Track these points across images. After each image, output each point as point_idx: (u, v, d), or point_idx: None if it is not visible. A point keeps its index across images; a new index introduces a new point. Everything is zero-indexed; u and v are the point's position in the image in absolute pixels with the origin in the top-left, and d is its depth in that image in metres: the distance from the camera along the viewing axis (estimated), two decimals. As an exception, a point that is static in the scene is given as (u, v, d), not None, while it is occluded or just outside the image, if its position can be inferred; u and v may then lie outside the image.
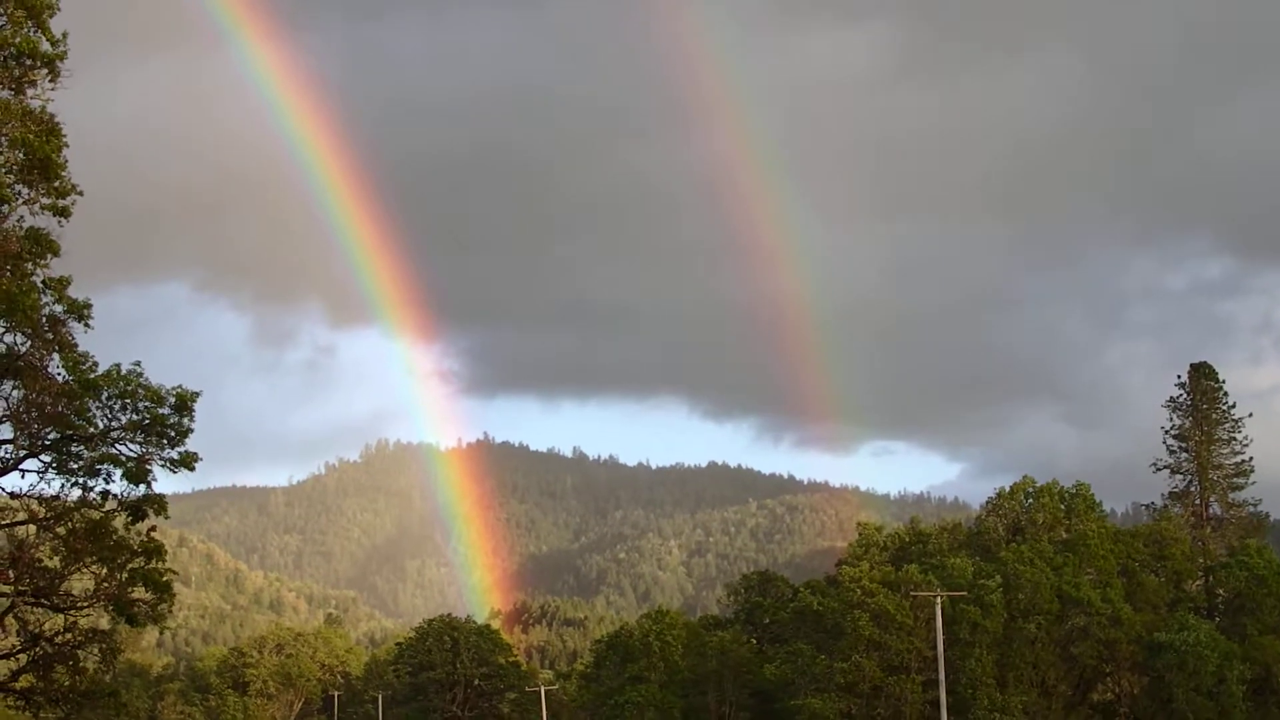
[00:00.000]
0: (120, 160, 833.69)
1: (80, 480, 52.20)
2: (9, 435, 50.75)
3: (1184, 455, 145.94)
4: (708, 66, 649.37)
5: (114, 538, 53.14)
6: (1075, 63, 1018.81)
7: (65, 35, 47.86)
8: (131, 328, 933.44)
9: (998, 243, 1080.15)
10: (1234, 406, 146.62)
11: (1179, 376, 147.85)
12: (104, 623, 63.43)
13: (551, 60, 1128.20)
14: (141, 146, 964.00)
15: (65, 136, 48.26)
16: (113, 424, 52.13)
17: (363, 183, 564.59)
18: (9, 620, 52.86)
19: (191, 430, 53.34)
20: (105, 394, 51.63)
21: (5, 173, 47.03)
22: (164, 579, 54.43)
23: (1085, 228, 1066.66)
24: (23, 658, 54.55)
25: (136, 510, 53.10)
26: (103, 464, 52.16)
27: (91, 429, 51.77)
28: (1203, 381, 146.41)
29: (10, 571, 50.70)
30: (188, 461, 53.26)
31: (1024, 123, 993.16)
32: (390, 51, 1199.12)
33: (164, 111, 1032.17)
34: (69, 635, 54.08)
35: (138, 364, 52.35)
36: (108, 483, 52.58)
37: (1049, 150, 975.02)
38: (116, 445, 52.39)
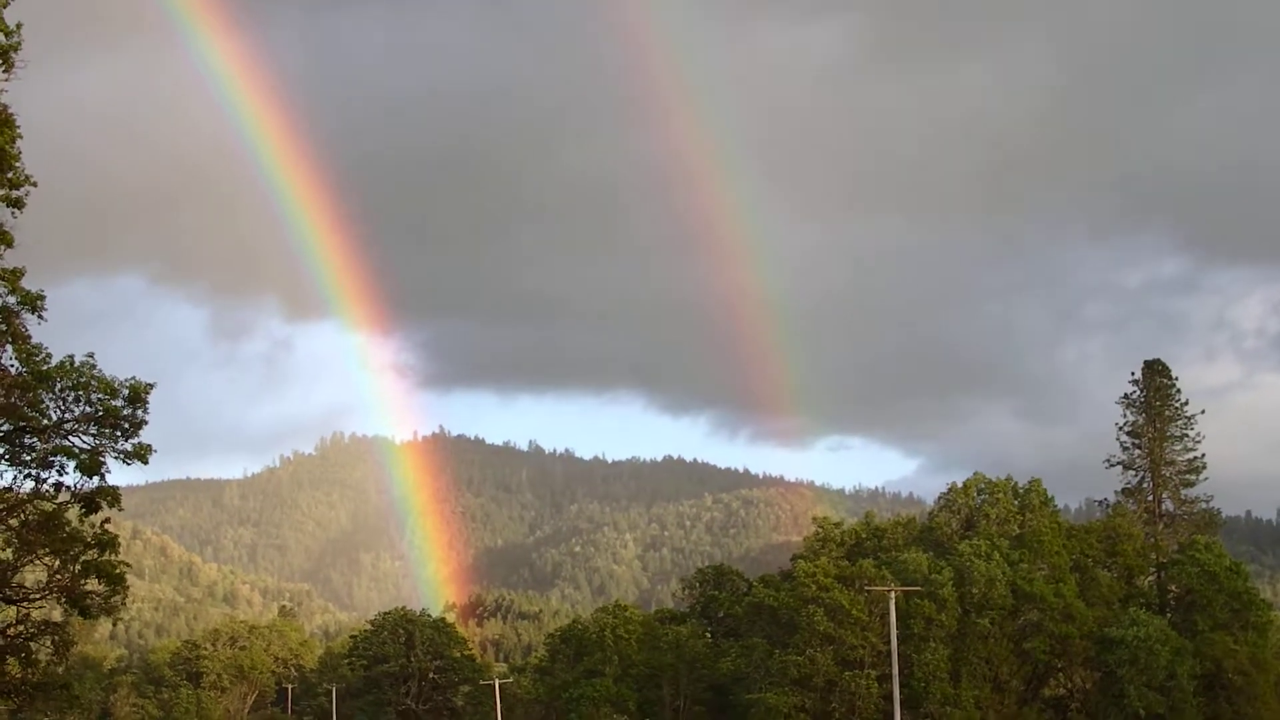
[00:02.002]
0: (76, 152, 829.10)
1: (33, 472, 51.95)
2: (-39, 427, 50.45)
3: (1137, 452, 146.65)
4: (668, 61, 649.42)
5: (67, 530, 52.91)
6: (1038, 59, 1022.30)
7: (19, 26, 47.56)
8: (87, 320, 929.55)
9: (956, 238, 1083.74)
10: (1187, 404, 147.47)
11: (1133, 373, 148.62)
12: (57, 615, 63.19)
13: (512, 55, 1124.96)
14: (98, 139, 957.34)
15: (19, 128, 47.98)
16: (66, 416, 51.91)
17: (320, 177, 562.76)
18: (-40, 612, 52.62)
19: (145, 422, 53.14)
20: (59, 386, 51.40)
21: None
22: (117, 571, 54.22)
23: (1043, 224, 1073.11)
24: (-25, 650, 54.23)
25: (90, 502, 52.88)
26: (56, 456, 51.93)
27: (44, 421, 51.53)
28: (1156, 378, 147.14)
29: (-38, 564, 50.43)
30: (141, 454, 53.04)
31: (985, 119, 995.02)
32: (349, 45, 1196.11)
33: (121, 104, 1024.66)
34: (21, 627, 53.81)
35: (91, 356, 52.15)
36: (61, 475, 52.37)
37: (1009, 146, 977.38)
38: (70, 437, 52.18)
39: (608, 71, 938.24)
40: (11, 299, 49.92)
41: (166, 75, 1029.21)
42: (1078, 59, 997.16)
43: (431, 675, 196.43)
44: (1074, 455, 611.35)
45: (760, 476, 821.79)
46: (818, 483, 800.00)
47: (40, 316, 50.79)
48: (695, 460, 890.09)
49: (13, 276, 49.65)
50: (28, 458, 51.77)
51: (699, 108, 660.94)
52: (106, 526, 54.28)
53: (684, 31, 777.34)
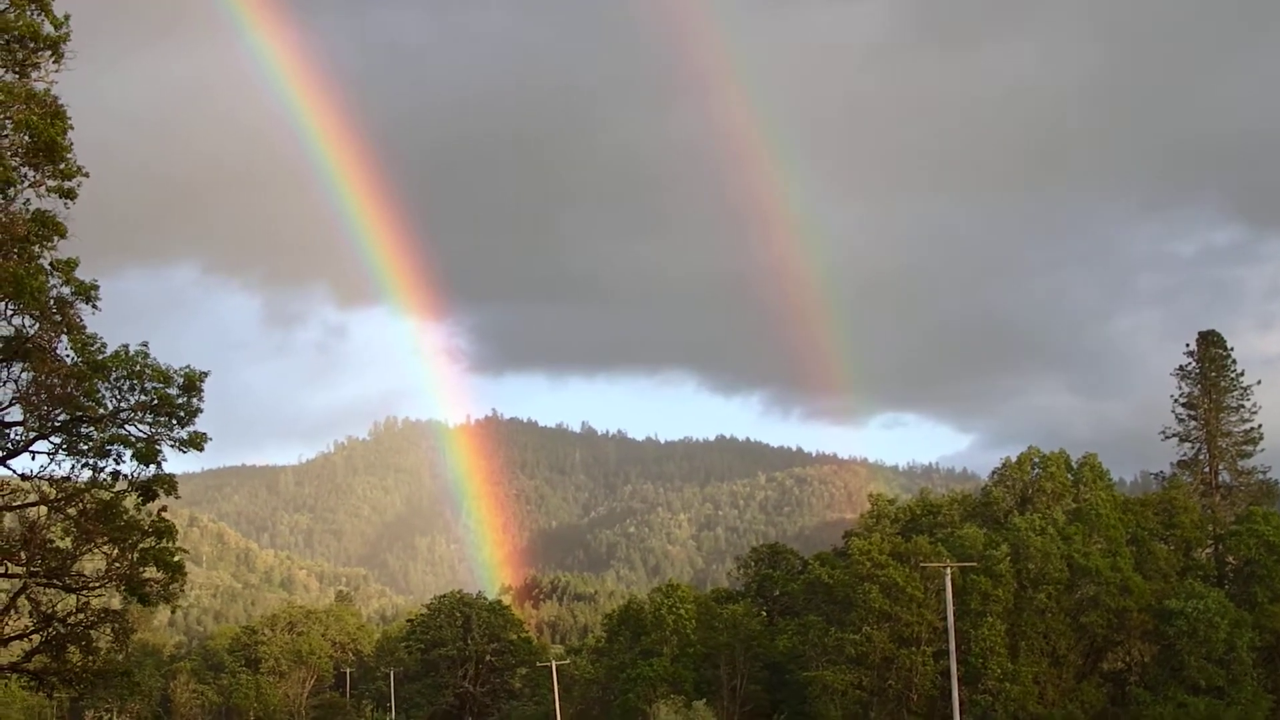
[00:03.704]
0: (128, 144, 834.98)
1: (90, 461, 52.22)
2: (19, 417, 50.72)
3: (1193, 423, 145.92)
4: (712, 40, 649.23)
5: (124, 518, 53.22)
6: (1081, 29, 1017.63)
7: (68, 18, 47.79)
8: (140, 311, 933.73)
9: (1006, 212, 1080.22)
10: (1243, 374, 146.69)
11: (1187, 345, 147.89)
12: (116, 603, 63.52)
13: (556, 39, 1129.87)
14: (149, 131, 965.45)
15: (70, 119, 48.22)
16: (121, 405, 52.17)
17: (368, 164, 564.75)
18: (21, 601, 52.98)
19: (200, 410, 53.39)
20: (114, 375, 51.67)
21: (10, 155, 46.99)
22: (175, 559, 54.52)
23: (1092, 194, 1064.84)
24: (35, 639, 54.65)
25: (147, 490, 53.16)
26: (112, 445, 52.19)
27: (100, 410, 51.80)
28: (1211, 349, 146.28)
29: (22, 553, 50.79)
30: (197, 442, 53.29)
31: (1030, 92, 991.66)
32: (395, 34, 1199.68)
33: (172, 97, 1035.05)
34: (81, 615, 54.18)
35: (145, 345, 52.42)
36: (118, 463, 52.62)
37: (1055, 116, 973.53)
38: (126, 426, 52.44)
39: (653, 52, 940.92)
40: (66, 289, 50.16)
41: (217, 67, 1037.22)
42: (1121, 27, 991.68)
43: (489, 658, 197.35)
44: (1129, 428, 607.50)
45: (814, 455, 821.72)
46: (871, 460, 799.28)
47: (94, 307, 51.05)
48: (748, 439, 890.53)
49: (66, 267, 49.92)
50: (85, 447, 52.04)
51: (744, 86, 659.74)
52: (163, 514, 54.58)
53: (727, 9, 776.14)
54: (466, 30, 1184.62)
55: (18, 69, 47.54)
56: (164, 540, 54.24)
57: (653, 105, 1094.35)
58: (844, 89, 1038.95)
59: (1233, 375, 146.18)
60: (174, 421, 52.75)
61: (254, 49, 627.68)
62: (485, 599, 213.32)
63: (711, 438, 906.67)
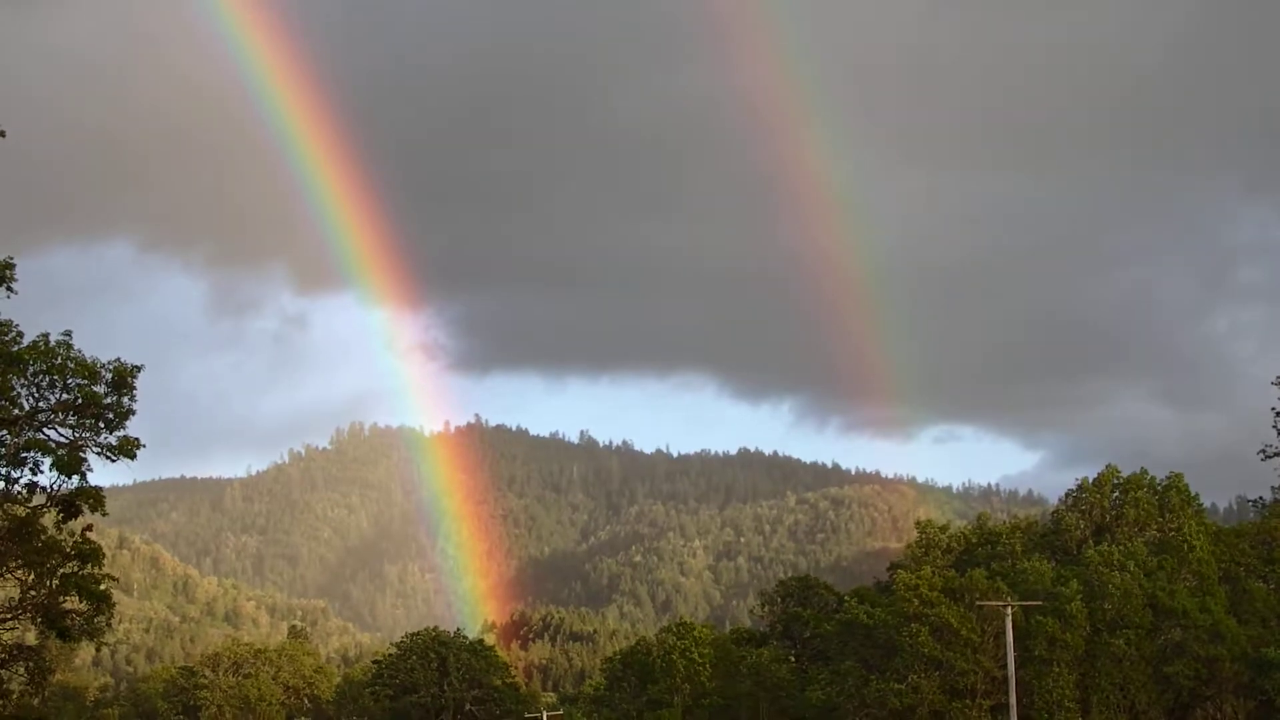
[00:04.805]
0: (54, 101, 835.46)
1: (3, 471, 52.29)
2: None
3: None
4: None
5: (43, 538, 53.26)
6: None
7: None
8: (65, 294, 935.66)
9: (1085, 192, 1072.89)
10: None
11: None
12: (31, 637, 63.67)
13: (553, 4, 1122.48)
14: (79, 85, 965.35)
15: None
16: (40, 405, 52.19)
17: (335, 130, 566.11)
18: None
19: (133, 412, 53.38)
20: (30, 369, 51.66)
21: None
22: (101, 586, 54.56)
23: (1188, 174, 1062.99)
24: (-66, 679, 54.75)
25: (69, 506, 53.19)
26: (29, 451, 52.21)
27: (15, 411, 51.83)
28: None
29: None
30: (128, 449, 53.29)
31: (1117, 50, 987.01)
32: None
33: (107, 46, 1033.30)
34: (-10, 652, 54.25)
35: (68, 335, 52.36)
36: (35, 474, 52.69)
37: (1145, 83, 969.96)
38: (45, 429, 52.47)
39: (666, 6, 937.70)
40: (-29, 267, 50.20)
41: (161, 19, 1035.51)
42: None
43: (469, 707, 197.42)
44: (1224, 445, 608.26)
45: (853, 472, 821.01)
46: (921, 479, 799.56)
47: (9, 289, 51.08)
48: (776, 454, 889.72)
49: (-27, 242, 49.97)
50: (-4, 453, 52.13)
51: (775, 41, 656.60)
52: (88, 534, 54.60)
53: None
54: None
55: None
56: (88, 565, 54.28)
57: (666, 59, 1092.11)
58: (900, 44, 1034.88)
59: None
60: (101, 425, 52.76)
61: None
62: (465, 638, 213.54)
63: (733, 451, 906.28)
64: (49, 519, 53.56)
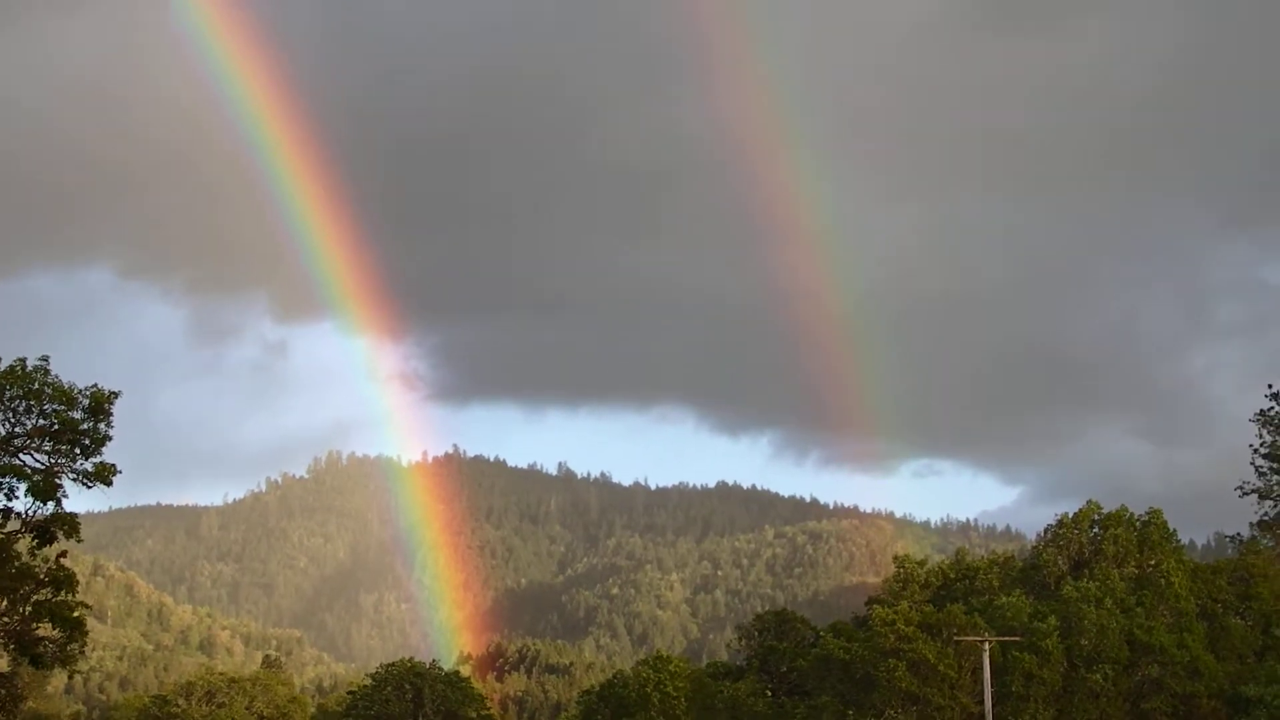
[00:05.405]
0: (37, 124, 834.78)
1: (-24, 496, 52.08)
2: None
3: (1275, 477, 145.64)
4: (722, 15, 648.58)
5: (16, 564, 53.08)
6: (1167, 10, 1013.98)
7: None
8: (43, 319, 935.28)
9: (1067, 225, 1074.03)
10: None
11: (1270, 386, 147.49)
12: (3, 664, 63.45)
13: (534, 15, 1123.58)
14: (62, 109, 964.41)
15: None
16: (15, 430, 52.06)
17: (319, 154, 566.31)
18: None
19: (109, 438, 53.29)
20: (7, 394, 51.53)
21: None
22: (75, 614, 54.36)
23: (1168, 210, 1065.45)
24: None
25: (43, 532, 53.05)
26: (4, 476, 52.04)
27: (-9, 435, 51.66)
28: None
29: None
30: (104, 475, 53.17)
31: (1104, 83, 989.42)
32: (357, 6, 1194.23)
33: (89, 70, 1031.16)
34: (-39, 679, 54.03)
35: (45, 360, 52.22)
36: (9, 499, 52.54)
37: (1132, 116, 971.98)
38: (20, 455, 52.32)
39: (652, 29, 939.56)
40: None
41: (144, 36, 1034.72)
42: (1214, 8, 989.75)
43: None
44: (1202, 481, 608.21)
45: (831, 506, 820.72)
46: (899, 514, 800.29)
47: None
48: (754, 487, 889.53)
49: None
50: (-31, 479, 51.93)
51: (761, 72, 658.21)
52: (62, 561, 54.41)
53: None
54: (435, 3, 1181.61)
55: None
56: (62, 592, 54.10)
57: (651, 87, 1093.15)
58: (885, 75, 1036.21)
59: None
60: (77, 451, 52.61)
61: (188, 13, 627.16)
62: (440, 669, 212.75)
63: (711, 484, 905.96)
64: (23, 545, 53.36)
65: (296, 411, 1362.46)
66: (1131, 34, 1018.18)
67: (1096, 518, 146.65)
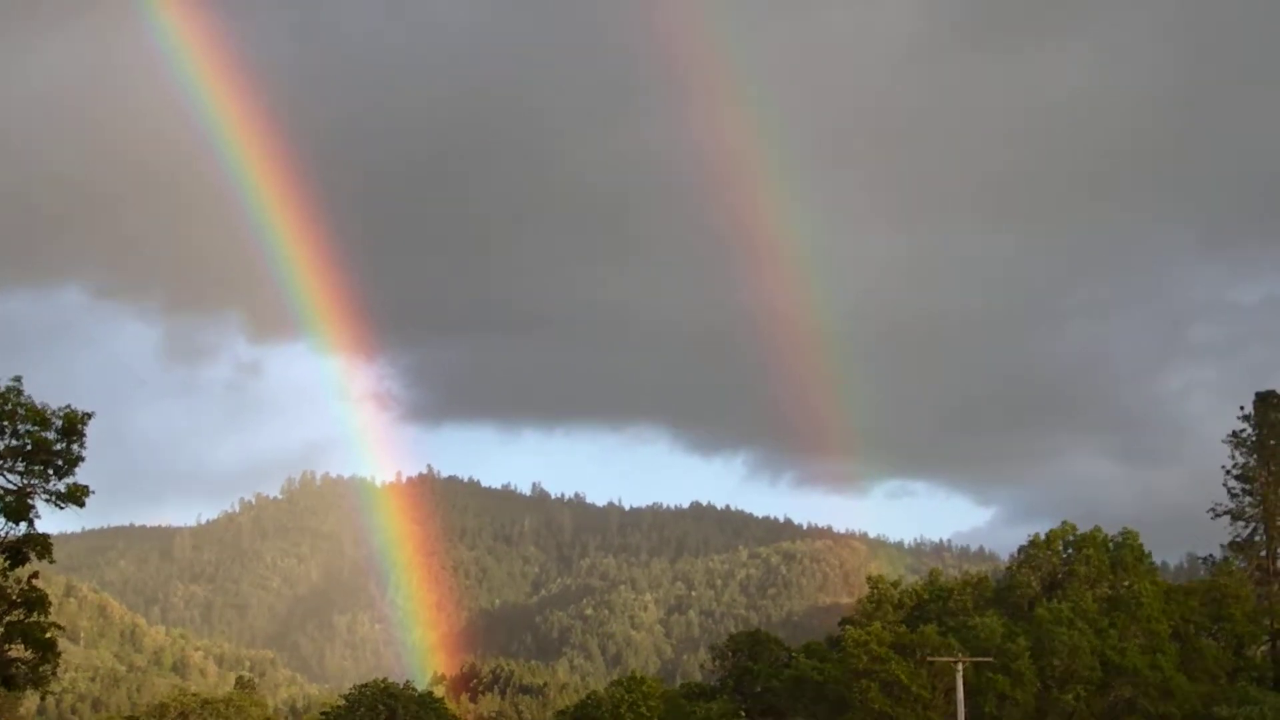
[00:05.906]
0: (12, 144, 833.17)
1: (-52, 517, 51.93)
2: None
3: (1248, 499, 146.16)
4: (697, 40, 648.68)
5: (-12, 585, 52.90)
6: (1146, 38, 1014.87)
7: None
8: (16, 339, 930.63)
9: (1043, 246, 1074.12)
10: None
11: (1242, 407, 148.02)
12: (-25, 686, 63.16)
13: (511, 36, 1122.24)
14: (35, 128, 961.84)
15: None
16: (-12, 451, 51.90)
17: (293, 175, 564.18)
18: None
19: (82, 459, 53.20)
20: (-21, 415, 51.41)
21: None
22: (47, 635, 54.26)
23: (1142, 232, 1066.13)
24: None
25: (15, 553, 52.94)
26: (-25, 498, 51.88)
27: (-37, 456, 51.54)
28: (1271, 413, 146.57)
29: None
30: (77, 496, 53.06)
31: (1083, 109, 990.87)
32: (327, 29, 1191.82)
33: (64, 91, 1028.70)
34: (-68, 701, 53.90)
35: (18, 380, 52.17)
36: (-19, 520, 52.30)
37: (1110, 141, 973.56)
38: (-8, 475, 52.15)
39: (623, 48, 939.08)
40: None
41: (119, 56, 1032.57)
42: (1194, 37, 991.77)
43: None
44: (1176, 503, 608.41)
45: (805, 527, 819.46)
46: (873, 534, 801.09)
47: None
48: (729, 508, 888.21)
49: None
50: (-58, 500, 51.79)
51: (736, 97, 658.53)
52: (35, 582, 54.26)
53: (718, 3, 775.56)
54: (409, 26, 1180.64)
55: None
56: (35, 613, 53.94)
57: (626, 111, 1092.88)
58: (861, 100, 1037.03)
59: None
60: (50, 471, 52.51)
61: (163, 32, 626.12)
62: (414, 689, 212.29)
63: (685, 505, 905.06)
64: (-5, 566, 53.20)
65: (270, 432, 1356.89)
66: (1106, 65, 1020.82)
67: (1070, 539, 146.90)
